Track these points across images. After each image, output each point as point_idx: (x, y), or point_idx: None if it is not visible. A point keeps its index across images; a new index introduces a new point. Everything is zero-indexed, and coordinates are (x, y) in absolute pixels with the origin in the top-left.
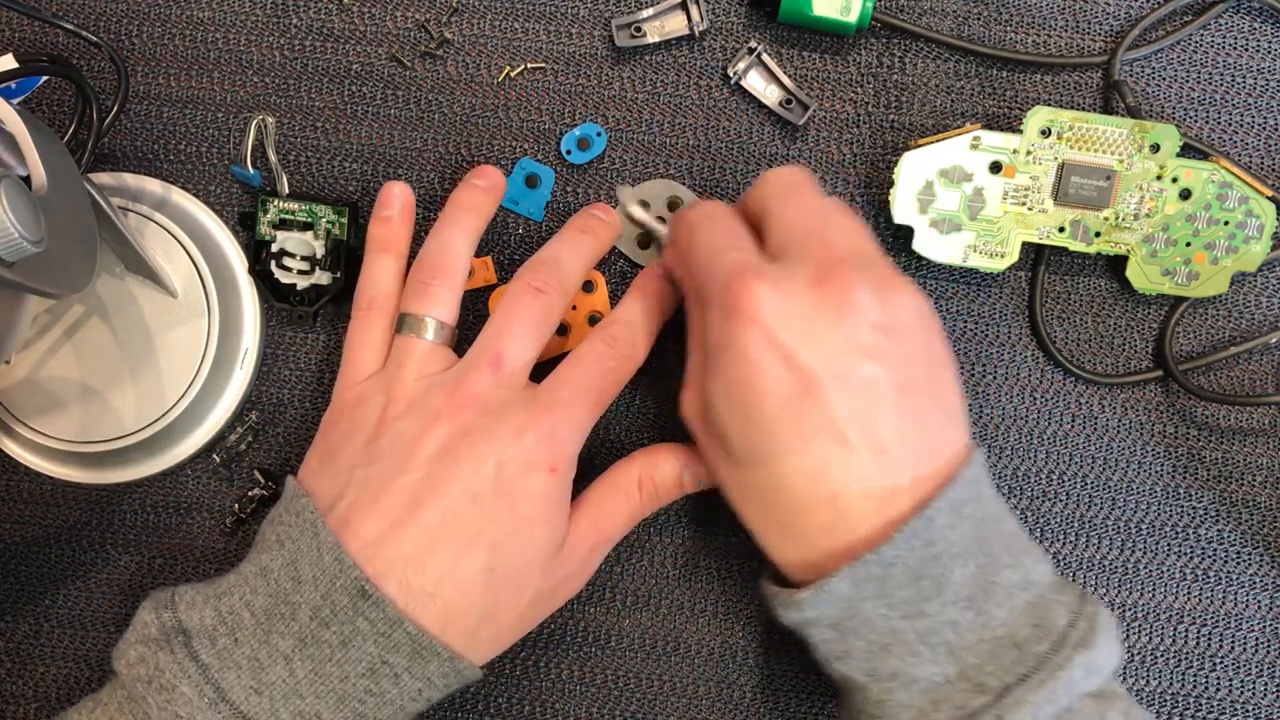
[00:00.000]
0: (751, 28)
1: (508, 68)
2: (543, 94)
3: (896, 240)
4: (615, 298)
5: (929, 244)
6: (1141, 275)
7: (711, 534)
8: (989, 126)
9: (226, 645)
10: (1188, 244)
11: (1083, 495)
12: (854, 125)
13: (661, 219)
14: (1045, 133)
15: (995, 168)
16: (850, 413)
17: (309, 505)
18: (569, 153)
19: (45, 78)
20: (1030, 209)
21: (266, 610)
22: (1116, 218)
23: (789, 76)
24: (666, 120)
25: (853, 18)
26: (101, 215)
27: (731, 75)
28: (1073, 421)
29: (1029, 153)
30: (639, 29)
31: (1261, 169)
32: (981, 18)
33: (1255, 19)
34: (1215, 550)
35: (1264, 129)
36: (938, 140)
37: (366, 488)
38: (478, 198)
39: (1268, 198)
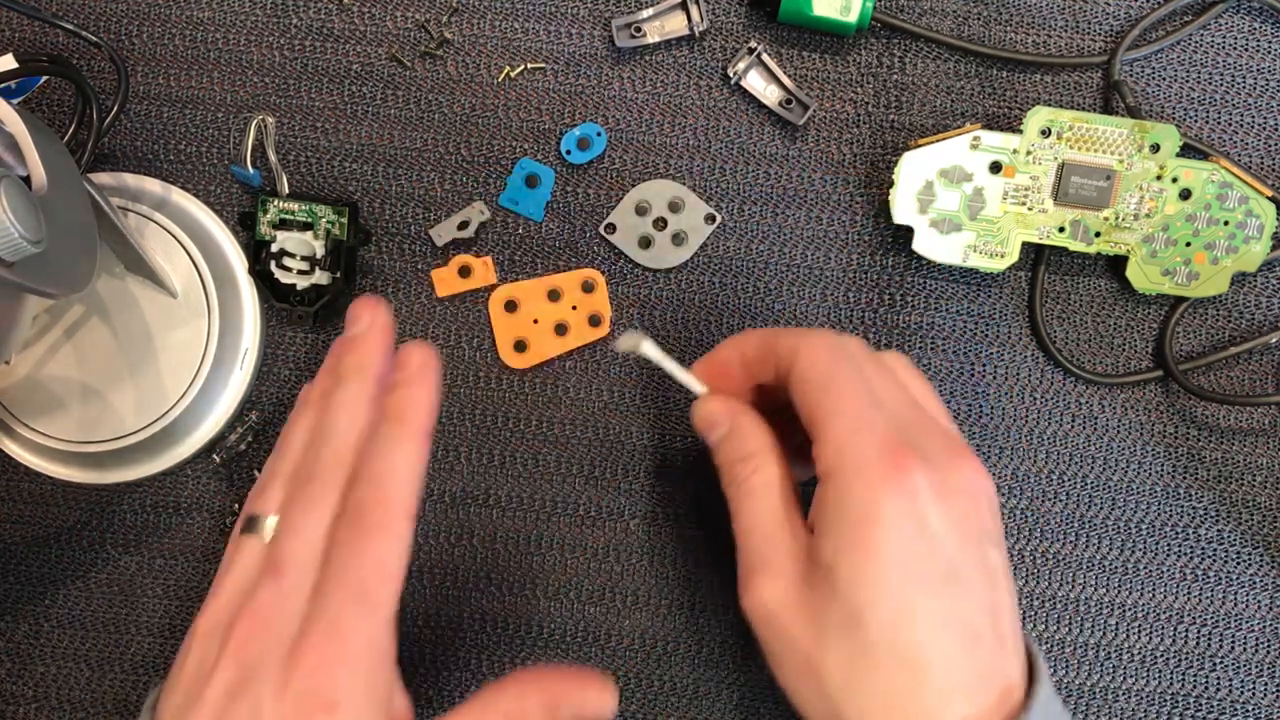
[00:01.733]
0: (751, 28)
1: (508, 68)
2: (543, 94)
3: (896, 240)
4: (616, 297)
5: (929, 244)
6: (1142, 275)
7: (711, 534)
8: (989, 126)
9: None
10: (1188, 244)
11: (1083, 495)
12: (854, 125)
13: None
14: (1045, 133)
15: (995, 168)
16: (983, 603)
17: None
18: (569, 153)
19: (45, 78)
20: (1030, 209)
21: None
22: (1116, 218)
23: (789, 76)
24: (666, 120)
25: (853, 18)
26: (101, 215)
27: (731, 75)
28: (1073, 421)
29: (1029, 153)
30: (639, 29)
31: (1261, 169)
32: (981, 18)
33: (1255, 19)
34: (1215, 550)
35: (1264, 129)
36: (938, 140)
37: None
38: (360, 352)
39: (1268, 198)
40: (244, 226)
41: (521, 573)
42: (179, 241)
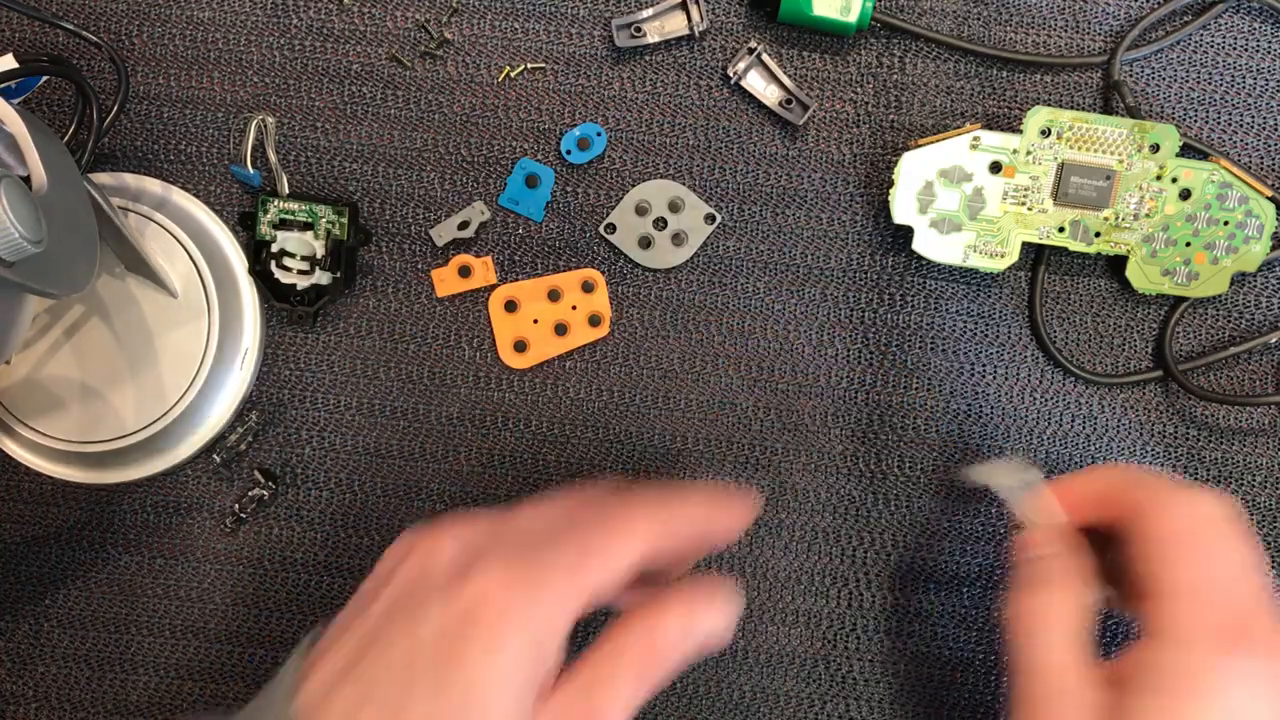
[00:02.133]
0: (751, 28)
1: (508, 68)
2: (543, 94)
3: (896, 240)
4: (616, 297)
5: (929, 244)
6: (1141, 275)
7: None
8: (989, 126)
9: None
10: (1188, 244)
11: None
12: (854, 125)
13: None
14: (1045, 133)
15: (995, 168)
16: None
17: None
18: (569, 153)
19: (45, 78)
20: (1030, 209)
21: None
22: (1116, 218)
23: (789, 76)
24: (666, 120)
25: (853, 18)
26: (101, 215)
27: (731, 75)
28: (1073, 421)
29: (1029, 153)
30: (639, 29)
31: (1261, 169)
32: (981, 18)
33: (1255, 19)
34: None
35: (1264, 129)
36: (938, 140)
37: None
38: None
39: (1268, 198)
40: (244, 226)
41: None
42: (179, 241)
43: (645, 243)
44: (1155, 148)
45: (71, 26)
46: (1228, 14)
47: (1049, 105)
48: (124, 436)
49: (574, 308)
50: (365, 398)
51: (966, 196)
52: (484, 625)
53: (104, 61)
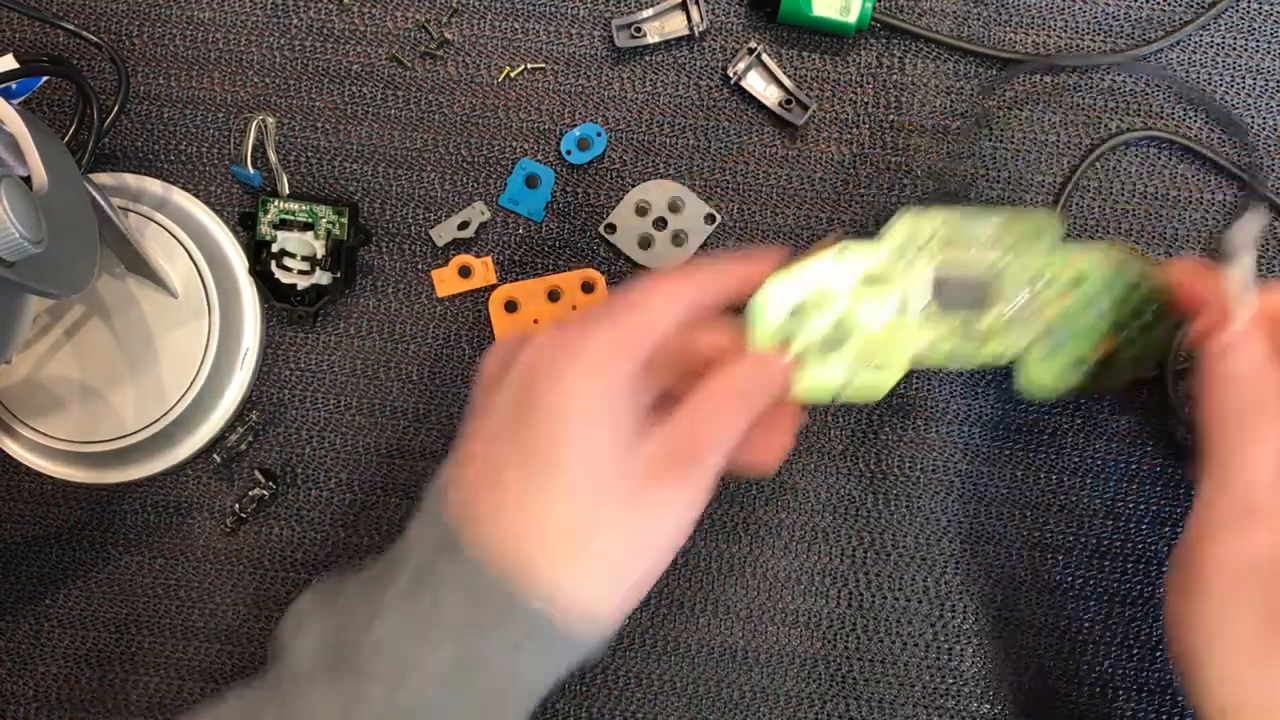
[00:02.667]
0: (751, 28)
1: (508, 68)
2: (543, 94)
3: None
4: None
5: (809, 372)
6: (1043, 373)
7: (711, 534)
8: (853, 235)
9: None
10: (1086, 336)
11: (1083, 495)
12: (854, 125)
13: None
14: (914, 237)
15: (868, 281)
16: None
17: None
18: (569, 153)
19: (45, 78)
20: (911, 319)
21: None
22: (1005, 317)
23: (789, 76)
24: (666, 120)
25: (852, 18)
26: (101, 215)
27: (731, 75)
28: (1072, 421)
29: (900, 259)
30: (639, 29)
31: (1261, 169)
32: (981, 18)
33: (1255, 19)
34: None
35: (1264, 129)
36: (802, 261)
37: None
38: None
39: (1162, 273)
40: (244, 226)
41: None
42: (179, 241)
43: (645, 243)
44: (1036, 238)
45: (71, 26)
46: (1227, 14)
47: (1034, 110)
48: (124, 436)
49: (574, 308)
50: (365, 398)
51: (840, 315)
52: (543, 371)
53: (104, 61)
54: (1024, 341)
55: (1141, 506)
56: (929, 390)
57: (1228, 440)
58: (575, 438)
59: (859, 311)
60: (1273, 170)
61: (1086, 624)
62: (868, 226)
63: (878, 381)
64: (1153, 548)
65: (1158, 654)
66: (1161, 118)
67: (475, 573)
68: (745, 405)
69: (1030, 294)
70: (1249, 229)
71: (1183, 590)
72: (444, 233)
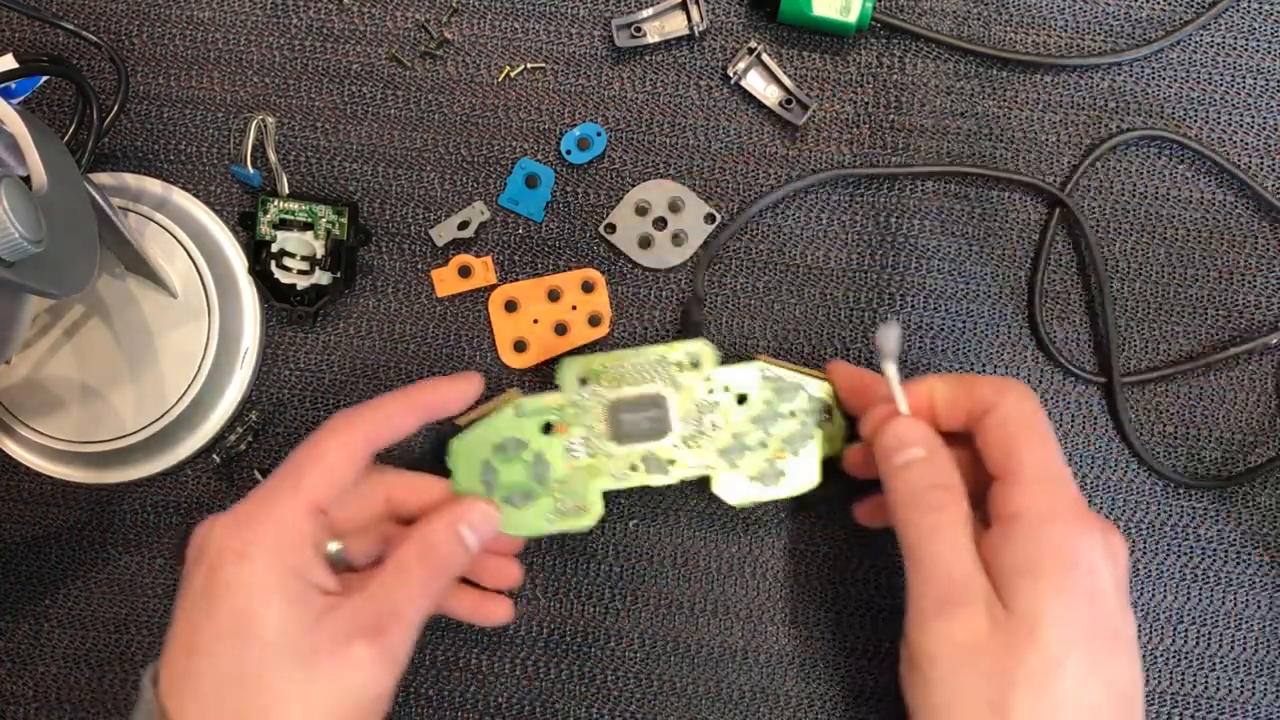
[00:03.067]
0: (751, 28)
1: (508, 68)
2: (543, 94)
3: (896, 239)
4: (616, 297)
5: (510, 521)
6: (730, 489)
7: (711, 534)
8: (524, 390)
9: None
10: (764, 444)
11: (1082, 495)
12: (854, 125)
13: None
14: (584, 380)
15: (547, 428)
16: (1135, 669)
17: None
18: (569, 153)
19: (45, 78)
20: (596, 457)
21: None
22: (684, 441)
23: (789, 76)
24: (666, 120)
25: (853, 18)
26: (101, 215)
27: (731, 75)
28: (1072, 421)
29: (573, 405)
30: (639, 29)
31: (1261, 169)
32: (981, 18)
33: (1255, 19)
34: (1215, 550)
35: (1264, 129)
36: (480, 417)
37: None
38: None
39: (818, 377)
40: (244, 226)
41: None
42: (179, 241)
43: (645, 242)
44: (695, 364)
45: (71, 26)
46: (1227, 14)
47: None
48: (124, 436)
49: (574, 308)
50: (365, 398)
51: (529, 464)
52: (226, 558)
53: (104, 61)
54: (705, 463)
55: (1144, 505)
56: None
57: (920, 534)
58: (260, 615)
59: (546, 458)
60: (1273, 171)
61: None
62: (551, 379)
63: (579, 522)
64: (1160, 527)
65: (1156, 655)
66: (1161, 118)
67: None
68: (437, 574)
69: (699, 418)
70: (889, 339)
71: (907, 677)
72: (444, 232)
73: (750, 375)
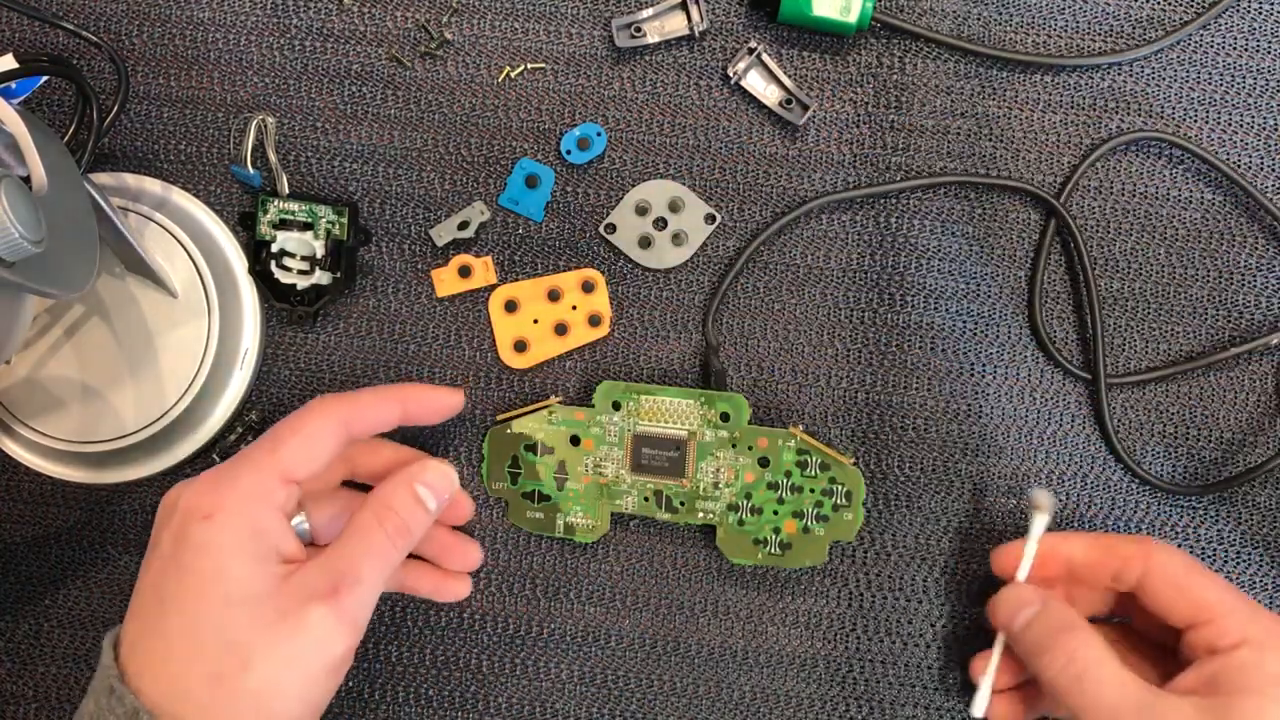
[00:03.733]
0: (751, 28)
1: (508, 68)
2: (543, 94)
3: (896, 239)
4: (616, 297)
5: (520, 514)
6: (732, 545)
7: (711, 534)
8: (566, 401)
9: None
10: (775, 512)
11: (1083, 495)
12: (854, 125)
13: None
14: (617, 405)
15: (574, 440)
16: None
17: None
18: (569, 153)
19: (45, 78)
20: (611, 480)
21: None
22: (698, 488)
23: (789, 76)
24: (666, 120)
25: (853, 18)
26: (101, 215)
27: (731, 75)
28: (1072, 421)
29: (602, 425)
30: (639, 29)
31: (1261, 169)
32: (981, 18)
33: (1255, 19)
34: (1215, 550)
35: (1264, 129)
36: (520, 414)
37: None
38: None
39: (850, 465)
40: (244, 226)
41: (520, 572)
42: (179, 241)
43: (645, 243)
44: (725, 417)
45: (71, 26)
46: (1227, 14)
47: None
48: (124, 436)
49: (574, 308)
50: None
51: (552, 469)
52: (194, 519)
53: (104, 61)
54: (714, 514)
55: (1144, 505)
56: (929, 390)
57: (1065, 670)
58: (226, 574)
59: (567, 467)
60: (1273, 171)
61: None
62: (589, 394)
63: (584, 535)
64: (1160, 527)
65: None
66: (1161, 118)
67: (119, 700)
68: (395, 535)
69: (717, 470)
70: (1041, 516)
71: None
72: (444, 232)
73: (777, 441)
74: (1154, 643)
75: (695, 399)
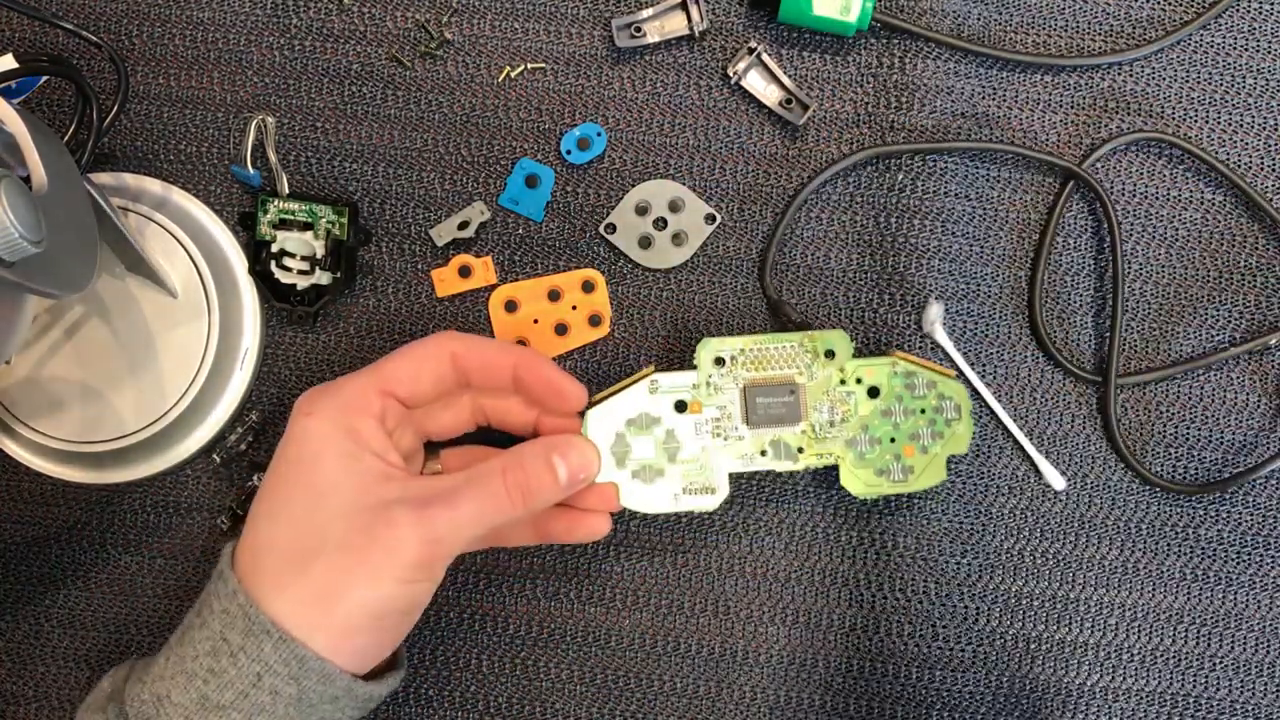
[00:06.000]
0: (751, 28)
1: (508, 68)
2: (543, 94)
3: (896, 238)
4: (616, 297)
5: (636, 497)
6: (857, 480)
7: (711, 534)
8: (663, 367)
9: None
10: (892, 440)
11: (1083, 495)
12: (854, 125)
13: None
14: (720, 361)
15: (681, 406)
16: None
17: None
18: (569, 153)
19: (45, 78)
20: (727, 439)
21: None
22: (814, 429)
23: (789, 76)
24: (666, 120)
25: (853, 18)
26: (101, 215)
27: (731, 75)
28: (1072, 422)
29: (709, 384)
30: (639, 29)
31: (1261, 169)
32: (981, 18)
33: (1255, 19)
34: (1215, 550)
35: (1264, 129)
36: (616, 391)
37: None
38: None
39: (953, 377)
40: (244, 226)
41: (521, 572)
42: (179, 241)
43: (645, 243)
44: (830, 354)
45: (71, 26)
46: (1227, 14)
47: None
48: (124, 436)
49: (574, 308)
50: None
51: (660, 441)
52: (299, 417)
53: (104, 61)
54: (834, 452)
55: (1144, 505)
56: None
57: None
58: (314, 464)
59: (678, 436)
60: (1273, 171)
61: (1088, 623)
62: (688, 355)
63: (705, 502)
64: (1161, 527)
65: (1156, 655)
66: (1161, 118)
67: (231, 599)
68: (513, 489)
69: (831, 408)
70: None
71: None
72: (444, 233)
73: (884, 369)
74: None
75: (797, 340)
